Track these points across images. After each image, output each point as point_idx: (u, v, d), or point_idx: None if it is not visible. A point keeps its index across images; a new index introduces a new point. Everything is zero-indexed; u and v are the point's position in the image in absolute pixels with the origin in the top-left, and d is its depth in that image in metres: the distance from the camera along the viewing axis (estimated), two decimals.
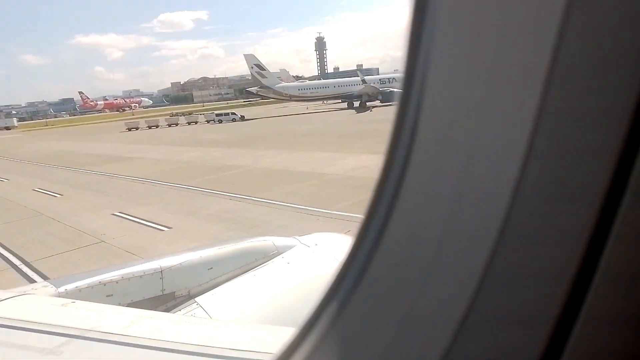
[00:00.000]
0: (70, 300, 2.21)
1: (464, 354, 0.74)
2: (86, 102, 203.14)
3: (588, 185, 0.67)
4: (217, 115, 71.76)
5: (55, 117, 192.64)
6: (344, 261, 0.87)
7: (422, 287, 0.76)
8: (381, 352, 0.79)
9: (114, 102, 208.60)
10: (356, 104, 72.70)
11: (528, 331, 0.72)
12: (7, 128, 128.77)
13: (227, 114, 70.83)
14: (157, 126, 73.15)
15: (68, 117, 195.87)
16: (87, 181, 27.08)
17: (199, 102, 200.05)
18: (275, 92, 76.42)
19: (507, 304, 0.72)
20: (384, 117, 51.76)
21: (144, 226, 15.77)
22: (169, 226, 15.41)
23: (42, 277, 11.95)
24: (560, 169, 0.68)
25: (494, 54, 0.68)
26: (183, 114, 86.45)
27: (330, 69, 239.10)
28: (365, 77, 73.12)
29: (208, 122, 71.27)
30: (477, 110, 0.70)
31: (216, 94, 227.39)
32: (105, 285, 2.74)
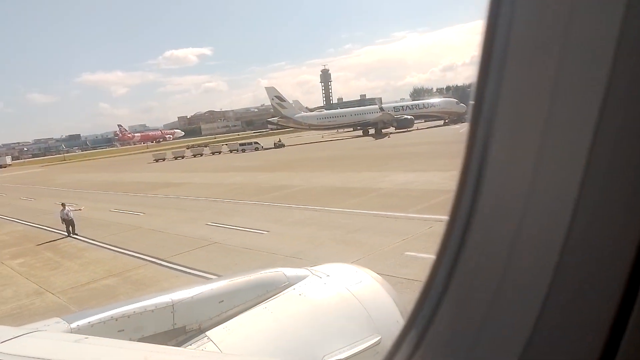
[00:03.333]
0: (83, 337, 2.22)
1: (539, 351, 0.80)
2: (124, 135, 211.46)
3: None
4: (240, 144, 75.97)
5: (67, 153, 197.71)
6: (427, 278, 0.94)
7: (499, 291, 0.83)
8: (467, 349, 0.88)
9: (150, 134, 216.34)
10: (371, 131, 76.32)
11: (592, 327, 0.76)
12: (1, 166, 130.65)
13: (250, 144, 74.84)
14: (182, 157, 76.64)
15: (80, 152, 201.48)
16: (155, 202, 29.56)
17: (208, 135, 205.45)
18: (295, 121, 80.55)
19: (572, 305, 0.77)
20: (404, 141, 54.83)
21: (243, 231, 18.20)
22: (266, 230, 17.91)
23: (182, 268, 14.35)
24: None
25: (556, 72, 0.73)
26: (200, 145, 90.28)
27: (334, 100, 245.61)
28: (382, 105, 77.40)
29: (231, 152, 74.86)
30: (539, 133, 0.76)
31: (224, 126, 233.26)
32: (117, 320, 2.76)
